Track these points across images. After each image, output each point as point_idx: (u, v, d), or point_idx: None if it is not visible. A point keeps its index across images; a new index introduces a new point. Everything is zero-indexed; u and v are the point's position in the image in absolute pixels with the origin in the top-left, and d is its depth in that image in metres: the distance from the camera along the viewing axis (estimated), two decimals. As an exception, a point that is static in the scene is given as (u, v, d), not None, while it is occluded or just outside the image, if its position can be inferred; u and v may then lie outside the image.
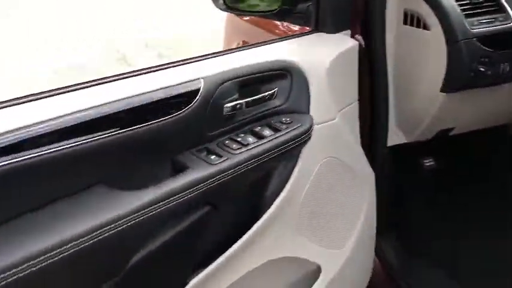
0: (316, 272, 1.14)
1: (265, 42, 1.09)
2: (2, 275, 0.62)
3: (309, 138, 1.01)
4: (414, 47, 1.20)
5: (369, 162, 1.32)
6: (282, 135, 0.96)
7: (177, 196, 0.79)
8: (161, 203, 0.77)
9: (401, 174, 1.43)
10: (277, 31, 1.68)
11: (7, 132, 0.69)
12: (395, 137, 1.35)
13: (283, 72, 1.00)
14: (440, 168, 1.45)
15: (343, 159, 1.11)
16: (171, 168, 0.87)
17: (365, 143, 1.34)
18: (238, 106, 0.93)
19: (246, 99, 0.94)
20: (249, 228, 0.97)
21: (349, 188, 1.15)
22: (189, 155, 0.88)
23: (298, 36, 1.16)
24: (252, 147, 0.91)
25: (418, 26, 1.17)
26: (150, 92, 0.83)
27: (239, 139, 0.92)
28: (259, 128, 0.96)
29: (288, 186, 1.01)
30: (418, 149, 1.41)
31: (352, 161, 1.14)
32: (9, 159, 0.67)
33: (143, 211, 0.76)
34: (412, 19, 1.18)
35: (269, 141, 0.94)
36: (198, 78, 0.88)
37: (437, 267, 1.46)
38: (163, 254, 0.83)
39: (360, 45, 1.18)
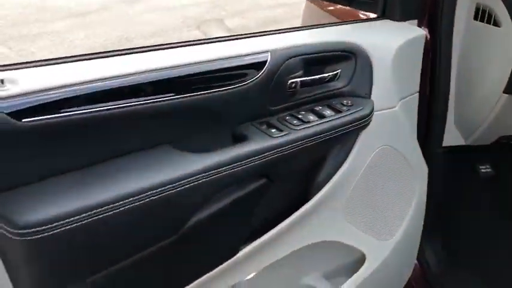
0: (361, 260, 1.13)
1: (332, 23, 1.09)
2: (76, 217, 0.65)
3: (368, 123, 1.00)
4: (481, 44, 1.17)
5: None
6: (342, 116, 0.95)
7: (235, 165, 0.80)
8: (219, 170, 0.79)
9: (454, 176, 1.40)
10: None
11: (84, 82, 0.71)
12: (452, 137, 1.32)
13: (348, 54, 1.00)
14: (497, 177, 1.41)
15: (399, 149, 1.10)
16: (232, 137, 0.89)
17: (420, 139, 1.32)
18: (301, 83, 0.93)
19: (310, 77, 0.94)
20: (299, 207, 0.97)
21: (402, 179, 1.13)
22: (250, 126, 0.89)
23: (364, 21, 1.15)
24: (312, 125, 0.91)
25: (488, 22, 1.14)
26: (218, 59, 0.85)
27: (300, 116, 0.93)
28: (320, 107, 0.96)
29: (341, 170, 1.01)
30: (475, 154, 1.37)
31: (407, 152, 1.13)
32: (87, 109, 0.70)
33: (202, 174, 0.77)
34: (483, 14, 1.15)
35: (329, 121, 0.94)
36: (266, 51, 0.89)
37: (477, 280, 1.42)
38: (217, 219, 0.84)
39: (425, 37, 1.16)
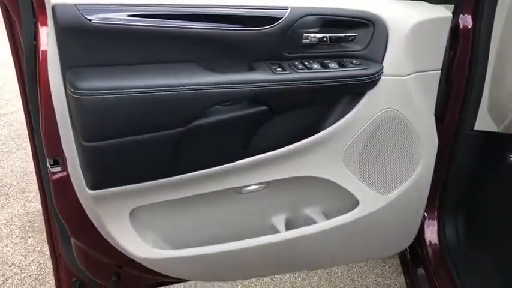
0: (354, 205, 1.31)
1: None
2: (118, 90, 0.99)
3: (374, 82, 1.16)
4: None
5: (453, 140, 1.40)
6: (346, 70, 1.14)
7: (237, 85, 1.06)
8: (222, 86, 1.05)
9: (482, 160, 1.46)
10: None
11: (145, 4, 1.02)
12: (484, 122, 1.39)
13: (366, 22, 1.17)
14: None
15: (406, 116, 1.24)
16: (247, 68, 1.14)
17: (453, 121, 1.41)
18: (315, 38, 1.14)
19: (326, 34, 1.14)
20: (297, 141, 1.18)
21: (406, 145, 1.27)
22: (263, 64, 1.13)
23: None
24: (313, 72, 1.12)
25: None
26: (244, 7, 1.10)
27: (306, 63, 1.14)
28: (329, 61, 1.16)
29: (343, 120, 1.19)
30: (506, 141, 1.41)
31: (416, 122, 1.25)
32: (142, 23, 1.01)
33: (209, 86, 1.04)
34: None
35: (331, 71, 1.13)
36: (286, 7, 1.11)
37: (494, 265, 1.47)
38: (219, 127, 1.11)
39: (465, 24, 1.26)
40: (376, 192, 1.29)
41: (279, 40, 1.12)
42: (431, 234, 1.57)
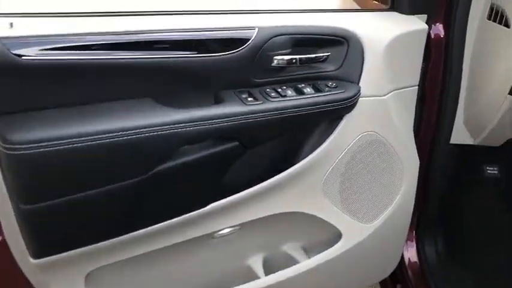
0: (337, 237, 1.19)
1: (334, 10, 1.15)
2: (58, 142, 0.80)
3: (352, 105, 1.05)
4: (491, 44, 1.17)
5: (429, 155, 1.32)
6: (322, 95, 1.02)
7: (204, 123, 0.90)
8: (186, 124, 0.89)
9: (459, 174, 1.40)
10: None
11: (85, 33, 0.85)
12: (460, 135, 1.33)
13: (340, 39, 1.05)
14: (502, 180, 1.39)
15: (386, 138, 1.14)
16: (214, 100, 0.99)
17: (428, 135, 1.33)
18: (287, 61, 1.01)
19: (296, 56, 1.02)
20: (273, 176, 1.05)
21: (387, 168, 1.17)
22: (231, 93, 0.99)
23: (369, 11, 1.19)
24: (288, 99, 0.99)
25: (500, 23, 1.13)
26: (208, 29, 0.95)
27: (279, 90, 1.01)
28: (303, 85, 1.04)
29: (321, 148, 1.07)
30: (483, 154, 1.36)
31: (396, 142, 1.16)
32: (82, 55, 0.83)
33: (171, 126, 0.88)
34: (496, 15, 1.15)
35: (307, 97, 1.01)
36: (254, 27, 0.98)
37: (474, 279, 1.41)
38: (186, 171, 0.95)
39: (437, 34, 1.18)
40: (359, 222, 1.19)
41: (247, 65, 0.98)
42: (410, 251, 1.49)
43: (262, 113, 0.96)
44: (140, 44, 0.89)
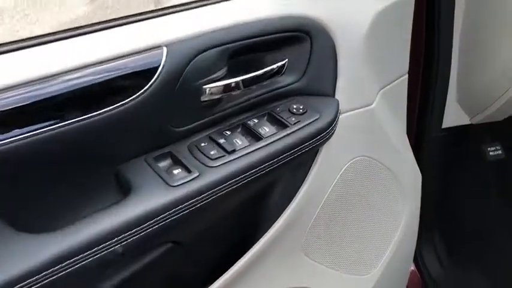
0: None
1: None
2: None
3: (331, 135, 0.68)
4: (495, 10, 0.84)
5: (417, 149, 1.00)
6: (289, 134, 0.64)
7: (102, 247, 0.50)
8: (77, 258, 0.49)
9: (456, 163, 1.10)
10: None
11: None
12: (453, 116, 1.01)
13: (299, 35, 0.66)
14: (508, 160, 1.11)
15: (380, 160, 0.79)
16: (114, 183, 0.58)
17: (412, 125, 1.01)
18: (224, 87, 0.61)
19: (237, 78, 0.62)
20: (233, 263, 0.68)
21: (385, 198, 0.84)
22: (142, 164, 0.58)
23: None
24: (240, 156, 0.60)
25: None
26: (78, 69, 0.52)
27: (222, 141, 0.61)
28: (256, 121, 0.65)
29: (294, 203, 0.71)
30: (482, 134, 1.07)
31: (392, 160, 0.82)
32: None
33: (57, 267, 0.48)
34: None
35: (268, 144, 0.62)
36: (159, 46, 0.56)
37: (478, 280, 1.17)
38: None
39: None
40: (356, 275, 0.86)
41: (162, 109, 0.57)
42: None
43: (201, 194, 0.56)
44: None
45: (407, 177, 0.86)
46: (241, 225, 0.69)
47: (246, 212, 0.67)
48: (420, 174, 0.90)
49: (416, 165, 0.89)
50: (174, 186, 0.55)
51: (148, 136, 0.58)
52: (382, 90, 0.77)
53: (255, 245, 0.70)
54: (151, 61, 0.55)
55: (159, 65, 0.55)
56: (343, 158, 0.74)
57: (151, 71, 0.55)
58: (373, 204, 0.82)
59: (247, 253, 0.69)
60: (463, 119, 1.03)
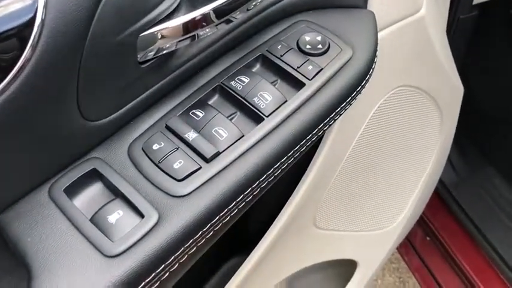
0: (348, 271, 0.67)
1: None
2: None
3: (370, 76, 0.40)
4: None
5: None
6: (309, 100, 0.35)
7: None
8: None
9: (486, 37, 0.84)
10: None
11: None
12: None
13: None
14: None
15: (420, 85, 0.53)
16: None
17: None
18: (183, 28, 0.31)
19: (207, 7, 0.31)
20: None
21: (422, 134, 0.59)
22: (40, 205, 0.30)
23: None
24: (228, 165, 0.32)
25: None
26: None
27: (190, 134, 0.32)
28: (246, 81, 0.35)
29: (315, 167, 0.46)
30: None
31: (433, 81, 0.55)
32: None
33: None
34: None
35: (274, 129, 0.34)
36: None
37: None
38: None
39: None
40: (374, 230, 0.65)
41: (57, 95, 0.27)
42: None
43: (169, 256, 0.30)
44: None
45: (448, 97, 0.60)
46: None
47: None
48: (462, 89, 0.64)
49: (459, 78, 0.63)
50: (113, 256, 0.28)
51: (42, 147, 0.29)
52: None
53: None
54: (18, 14, 0.24)
55: (33, 22, 0.24)
56: (377, 93, 0.48)
57: (21, 32, 0.24)
58: (408, 146, 0.57)
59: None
60: None
